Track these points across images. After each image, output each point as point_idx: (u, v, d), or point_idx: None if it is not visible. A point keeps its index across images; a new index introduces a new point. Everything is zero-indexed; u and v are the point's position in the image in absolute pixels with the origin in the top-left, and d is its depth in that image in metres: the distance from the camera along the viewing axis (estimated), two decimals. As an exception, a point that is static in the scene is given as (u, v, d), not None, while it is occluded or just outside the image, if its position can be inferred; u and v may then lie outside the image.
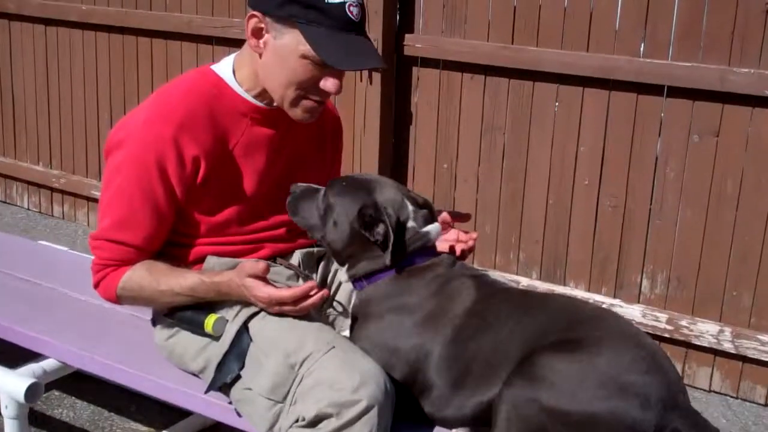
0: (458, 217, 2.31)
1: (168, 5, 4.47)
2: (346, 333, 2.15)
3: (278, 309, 2.03)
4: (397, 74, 3.85)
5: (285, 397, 1.97)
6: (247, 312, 2.10)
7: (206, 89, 2.15)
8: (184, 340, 2.21)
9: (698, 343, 3.35)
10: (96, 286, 2.19)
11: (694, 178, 3.29)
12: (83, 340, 2.46)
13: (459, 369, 1.92)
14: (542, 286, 3.62)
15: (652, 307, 3.45)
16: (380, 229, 1.98)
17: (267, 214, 2.25)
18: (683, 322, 3.36)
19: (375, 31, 3.62)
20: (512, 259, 3.74)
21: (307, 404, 1.90)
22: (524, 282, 3.65)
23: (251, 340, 2.09)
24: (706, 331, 3.32)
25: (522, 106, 3.59)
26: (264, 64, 2.09)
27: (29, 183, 5.24)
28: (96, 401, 3.12)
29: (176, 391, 2.25)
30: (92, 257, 2.18)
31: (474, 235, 2.24)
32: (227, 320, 2.13)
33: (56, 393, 3.16)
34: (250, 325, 2.10)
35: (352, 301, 2.17)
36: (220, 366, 2.11)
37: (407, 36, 3.76)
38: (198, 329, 2.15)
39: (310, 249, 2.34)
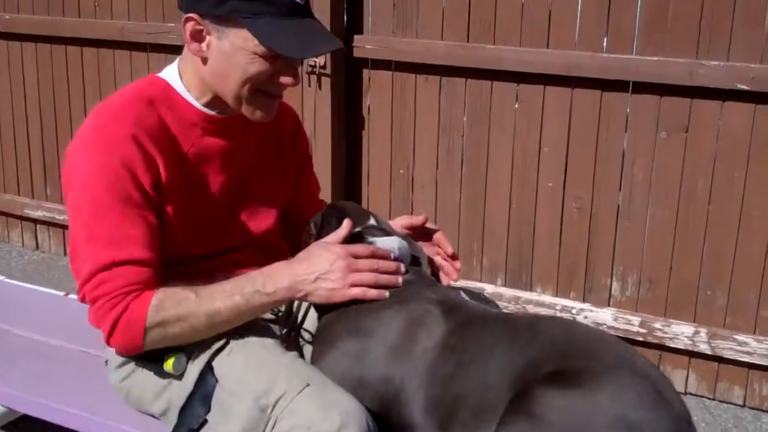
0: (414, 228, 2.22)
1: (98, 12, 4.22)
2: None
3: (350, 263, 1.87)
4: (347, 77, 3.69)
5: None
6: (210, 351, 1.91)
7: (155, 96, 1.95)
8: (142, 380, 2.02)
9: (673, 345, 3.26)
10: (112, 329, 1.82)
11: (663, 176, 3.19)
12: (28, 381, 2.25)
13: (442, 413, 1.74)
14: (508, 293, 3.50)
15: (624, 310, 3.35)
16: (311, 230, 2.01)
17: (223, 231, 2.07)
18: (657, 325, 3.27)
19: (323, 32, 3.44)
20: (475, 266, 3.60)
21: None
22: (489, 289, 3.52)
23: (217, 381, 1.90)
24: (681, 332, 3.23)
25: (480, 107, 3.45)
26: (211, 68, 1.93)
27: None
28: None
29: None
30: (86, 305, 1.90)
31: (457, 265, 2.18)
32: (187, 358, 1.94)
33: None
34: (215, 363, 1.91)
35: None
36: (184, 410, 1.92)
37: (356, 37, 3.60)
38: (156, 368, 1.96)
39: None
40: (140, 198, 1.86)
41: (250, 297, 1.85)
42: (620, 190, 3.29)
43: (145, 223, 1.86)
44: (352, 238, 1.96)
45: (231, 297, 1.85)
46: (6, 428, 2.63)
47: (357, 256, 1.87)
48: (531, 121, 3.37)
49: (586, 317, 3.36)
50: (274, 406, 1.78)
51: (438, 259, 2.21)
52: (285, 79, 1.92)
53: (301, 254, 1.91)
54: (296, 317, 2.20)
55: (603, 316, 3.34)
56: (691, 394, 3.32)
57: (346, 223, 1.95)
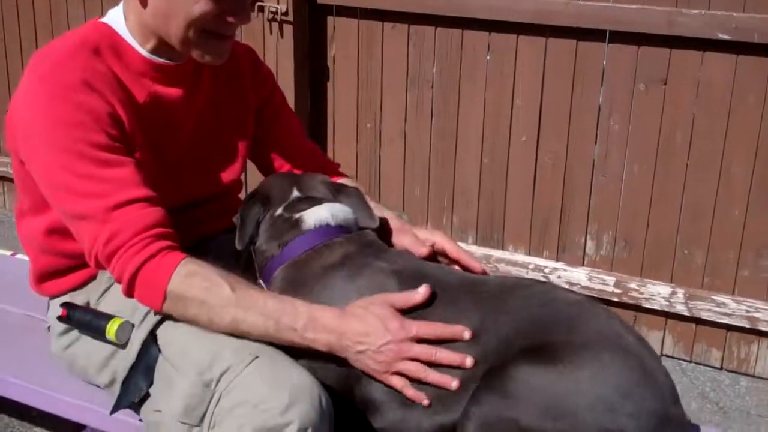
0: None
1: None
2: None
3: (403, 350, 1.61)
4: (311, 25, 3.50)
5: (201, 420, 1.65)
6: (155, 318, 1.76)
7: (99, 44, 1.78)
8: (86, 349, 1.89)
9: (649, 306, 3.16)
10: (131, 281, 1.66)
11: (640, 130, 3.06)
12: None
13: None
14: (479, 251, 3.37)
15: (598, 269, 3.23)
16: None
17: (182, 186, 1.93)
18: (632, 285, 3.16)
19: (284, -22, 3.27)
20: (445, 224, 3.47)
21: (228, 428, 1.59)
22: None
23: (160, 351, 1.76)
24: (657, 293, 3.13)
25: (451, 57, 3.29)
26: (152, 11, 1.77)
27: None
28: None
29: (78, 407, 1.95)
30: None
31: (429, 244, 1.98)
32: (133, 325, 1.80)
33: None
34: (159, 332, 1.77)
35: None
36: (126, 382, 1.78)
37: (320, -19, 3.42)
38: (99, 336, 1.83)
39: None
40: (111, 141, 1.69)
41: (285, 331, 1.64)
42: (596, 144, 3.16)
43: (126, 164, 1.70)
44: (274, 220, 1.84)
45: (265, 319, 1.65)
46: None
47: (418, 339, 1.61)
48: (503, 72, 3.21)
49: (559, 277, 3.25)
50: (218, 381, 1.64)
51: None
52: (233, 18, 1.76)
53: (356, 309, 1.64)
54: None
55: (577, 276, 3.23)
56: (667, 356, 3.22)
57: (424, 290, 1.64)
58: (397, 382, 1.62)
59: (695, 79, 2.93)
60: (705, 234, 3.05)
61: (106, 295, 1.90)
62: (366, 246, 1.79)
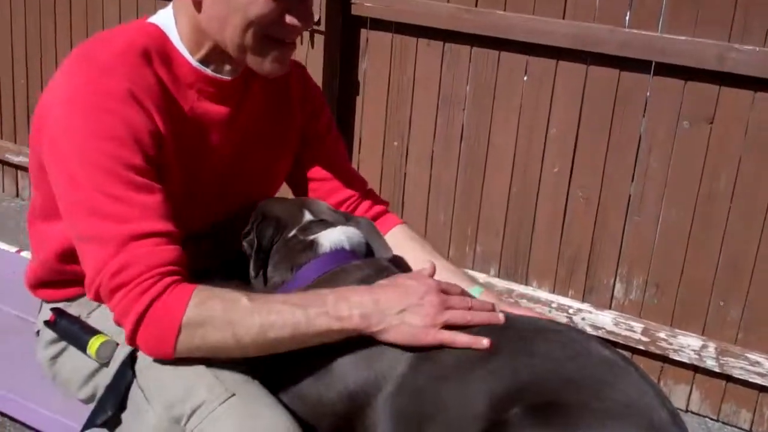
0: None
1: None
2: None
3: (444, 299, 1.55)
4: (343, 37, 3.38)
5: None
6: None
7: (150, 48, 1.65)
8: (72, 362, 1.78)
9: (677, 358, 2.98)
10: (138, 322, 1.49)
11: (681, 171, 2.89)
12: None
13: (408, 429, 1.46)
14: (501, 284, 3.22)
15: (626, 314, 3.06)
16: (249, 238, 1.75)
17: (216, 209, 1.82)
18: (661, 334, 2.98)
19: (318, -15, 3.16)
20: (468, 253, 3.32)
21: None
22: (481, 279, 3.23)
23: (134, 375, 1.62)
24: (687, 345, 2.94)
25: (485, 79, 3.15)
26: (207, 14, 1.64)
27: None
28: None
29: (56, 422, 1.85)
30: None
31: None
32: (117, 344, 1.68)
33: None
34: (139, 355, 1.62)
35: None
36: (99, 402, 1.65)
37: (355, -7, 3.31)
38: (81, 349, 1.72)
39: None
40: (145, 164, 1.55)
41: (315, 317, 1.50)
42: (632, 182, 3.00)
43: (156, 191, 1.55)
44: (286, 243, 1.73)
45: (292, 311, 1.50)
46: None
47: (448, 293, 1.57)
48: (539, 98, 3.07)
49: (583, 318, 3.07)
50: (189, 417, 1.50)
51: None
52: (292, 20, 1.63)
53: (382, 281, 1.58)
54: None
55: (603, 320, 3.06)
56: (692, 412, 3.03)
57: (431, 264, 1.66)
58: (447, 336, 1.50)
59: (744, 119, 2.76)
60: (743, 287, 2.87)
61: (96, 311, 1.79)
62: (381, 271, 1.66)
